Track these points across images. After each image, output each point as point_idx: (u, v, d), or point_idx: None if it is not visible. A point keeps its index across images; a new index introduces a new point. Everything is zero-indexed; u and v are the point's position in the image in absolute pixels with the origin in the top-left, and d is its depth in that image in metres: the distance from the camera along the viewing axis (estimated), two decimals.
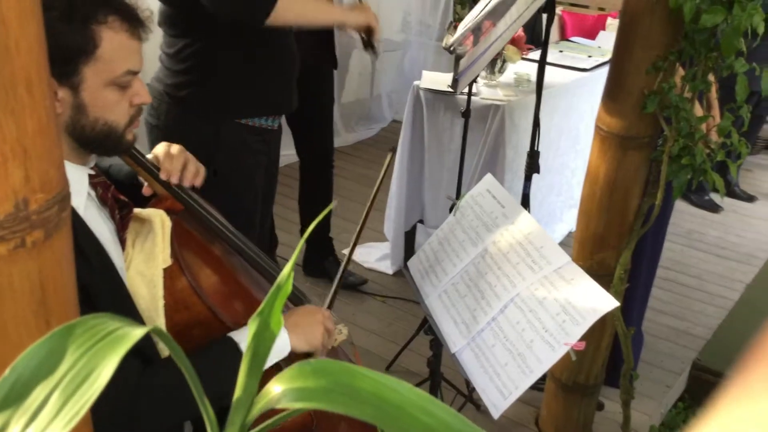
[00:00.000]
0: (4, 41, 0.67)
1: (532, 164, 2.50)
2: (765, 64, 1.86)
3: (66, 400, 0.35)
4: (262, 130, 2.23)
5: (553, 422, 2.49)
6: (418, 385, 2.57)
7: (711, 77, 1.96)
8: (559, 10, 5.55)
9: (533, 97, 2.47)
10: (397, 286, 3.46)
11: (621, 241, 2.14)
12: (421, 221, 3.56)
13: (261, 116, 2.22)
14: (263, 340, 0.40)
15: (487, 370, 1.52)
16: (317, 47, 3.09)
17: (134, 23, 1.25)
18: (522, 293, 1.56)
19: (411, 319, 3.14)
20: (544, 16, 2.42)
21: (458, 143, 2.92)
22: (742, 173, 5.11)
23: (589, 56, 4.05)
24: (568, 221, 3.93)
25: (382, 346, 3.02)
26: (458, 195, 2.40)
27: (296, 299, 1.60)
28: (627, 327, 2.16)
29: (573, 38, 4.88)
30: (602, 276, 2.06)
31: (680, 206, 4.51)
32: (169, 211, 1.40)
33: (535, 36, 4.46)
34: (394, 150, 1.61)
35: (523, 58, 3.46)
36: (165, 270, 1.33)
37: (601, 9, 6.23)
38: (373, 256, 3.67)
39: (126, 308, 1.28)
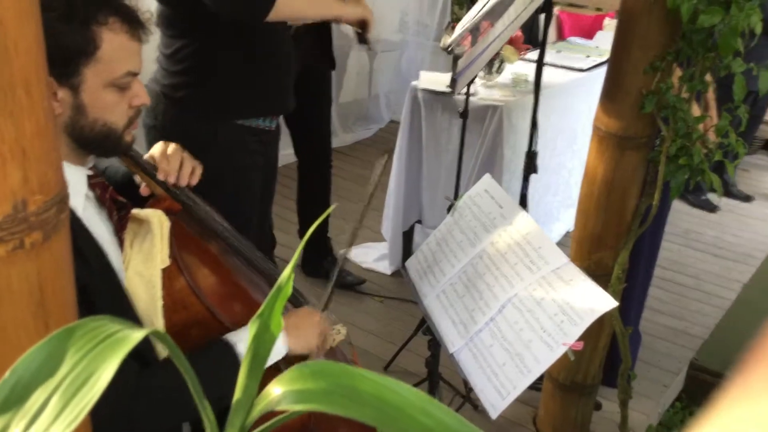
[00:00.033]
0: (3, 42, 0.67)
1: (530, 164, 2.50)
2: (762, 64, 1.86)
3: (66, 402, 0.35)
4: (260, 130, 2.23)
5: (550, 422, 2.50)
6: (416, 385, 2.57)
7: (708, 77, 1.96)
8: (556, 10, 5.56)
9: (531, 97, 2.47)
10: (395, 286, 3.46)
11: (619, 241, 2.15)
12: (419, 221, 3.56)
13: (258, 117, 2.22)
14: (263, 342, 0.40)
15: (485, 370, 1.52)
16: (315, 48, 3.08)
17: (134, 25, 1.25)
18: (520, 293, 1.56)
19: (409, 319, 3.14)
20: (542, 16, 2.42)
21: (456, 143, 2.92)
22: (739, 173, 5.12)
23: (587, 56, 4.05)
24: (565, 221, 3.93)
25: (380, 346, 3.02)
26: (456, 195, 2.41)
27: (295, 300, 1.60)
28: (625, 327, 2.17)
29: (570, 38, 4.89)
30: (600, 276, 2.06)
31: (677, 206, 4.52)
32: (167, 212, 1.40)
33: (532, 36, 4.47)
34: (390, 152, 1.61)
35: (521, 59, 3.46)
36: (163, 270, 1.33)
37: (599, 9, 6.23)
38: (371, 256, 3.67)
39: (124, 309, 1.28)
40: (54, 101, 1.19)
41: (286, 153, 3.52)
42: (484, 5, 2.37)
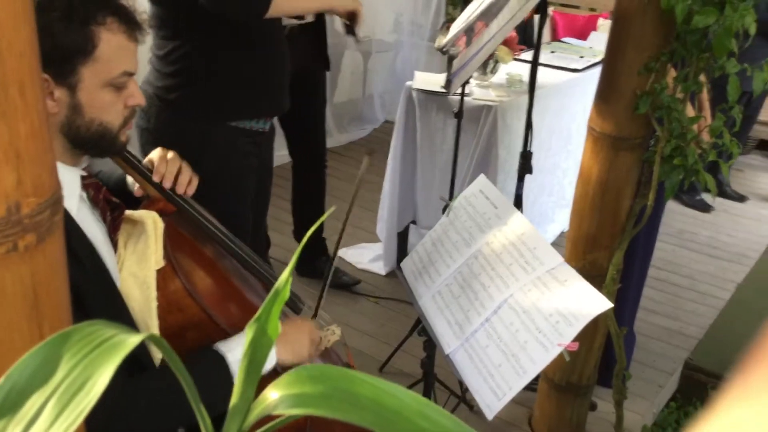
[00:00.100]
0: None
1: (525, 165, 2.50)
2: (756, 65, 1.87)
3: (62, 409, 0.35)
4: (253, 132, 2.23)
5: (546, 423, 2.50)
6: (411, 386, 2.57)
7: (702, 78, 1.97)
8: (550, 10, 5.56)
9: (525, 97, 2.47)
10: (390, 286, 3.46)
11: (613, 241, 2.15)
12: (413, 222, 3.56)
13: (252, 118, 2.21)
14: (260, 346, 0.40)
15: (480, 371, 1.52)
16: (310, 48, 3.08)
17: (132, 25, 1.26)
18: (515, 294, 1.56)
19: (404, 320, 3.14)
20: (536, 16, 2.42)
21: (451, 144, 2.92)
22: (733, 173, 5.14)
23: (581, 57, 4.05)
24: (560, 221, 3.94)
25: (375, 347, 3.01)
26: (451, 196, 2.40)
27: (292, 303, 1.60)
28: (619, 327, 2.17)
29: (564, 39, 4.89)
30: (595, 276, 2.07)
31: (672, 206, 4.53)
32: (161, 213, 1.39)
33: (526, 37, 4.47)
34: (372, 151, 1.61)
35: (515, 59, 3.47)
36: (158, 271, 1.33)
37: (592, 9, 6.24)
38: (366, 256, 3.66)
39: (118, 310, 1.27)
40: (51, 100, 1.19)
41: (281, 154, 3.51)
42: (479, 6, 2.37)
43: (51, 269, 0.76)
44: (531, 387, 2.33)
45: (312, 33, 3.07)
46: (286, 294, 0.41)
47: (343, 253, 3.67)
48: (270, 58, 2.21)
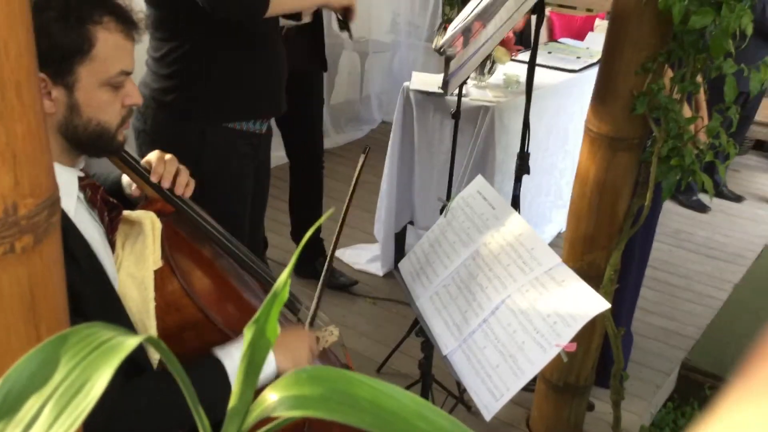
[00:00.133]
0: None
1: (522, 165, 2.51)
2: (753, 65, 1.87)
3: (60, 411, 0.35)
4: (250, 134, 2.22)
5: (543, 423, 2.50)
6: (409, 387, 2.57)
7: (699, 78, 1.97)
8: (547, 11, 5.57)
9: (523, 98, 2.47)
10: (388, 287, 3.46)
11: (611, 241, 2.15)
12: (411, 222, 3.55)
13: (249, 120, 2.21)
14: (259, 349, 0.40)
15: (478, 372, 1.52)
16: (307, 50, 3.08)
17: (128, 24, 1.26)
18: (513, 295, 1.56)
19: (401, 320, 3.14)
20: (533, 17, 2.42)
21: (448, 144, 2.92)
22: (729, 173, 5.15)
23: (578, 57, 4.06)
24: (557, 221, 3.94)
25: (372, 348, 3.01)
26: (449, 196, 2.40)
27: (291, 305, 1.60)
28: (617, 327, 2.17)
29: (561, 39, 4.90)
30: (592, 277, 2.07)
31: (668, 206, 4.54)
32: (159, 213, 1.39)
33: (524, 37, 4.47)
34: (368, 149, 1.61)
35: (512, 60, 3.47)
36: (156, 272, 1.33)
37: (589, 10, 6.25)
38: (364, 257, 3.66)
39: (116, 311, 1.27)
40: (48, 100, 1.19)
41: (278, 155, 3.51)
42: (476, 6, 2.37)
43: (48, 271, 0.76)
44: (529, 388, 2.33)
45: (309, 34, 3.07)
46: (285, 295, 0.41)
47: (340, 253, 3.67)
48: (267, 59, 2.21)
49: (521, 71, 3.08)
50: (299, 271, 3.44)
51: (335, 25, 5.06)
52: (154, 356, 1.32)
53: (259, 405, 0.40)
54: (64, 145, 1.25)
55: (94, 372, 0.35)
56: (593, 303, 1.45)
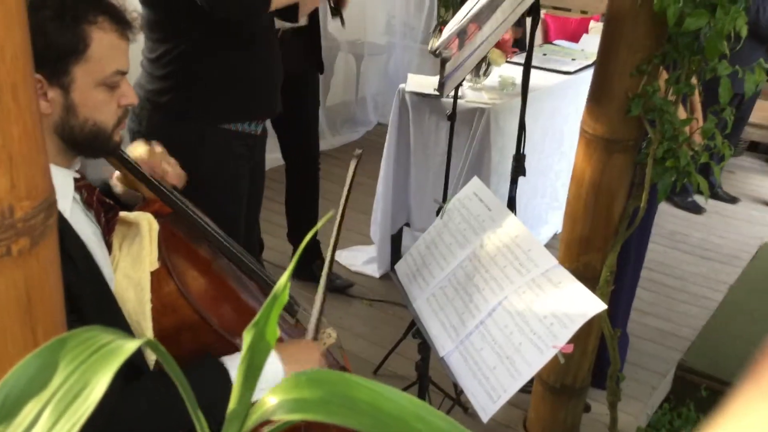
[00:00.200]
0: None
1: (518, 167, 2.51)
2: (748, 67, 1.87)
3: (59, 416, 0.34)
4: (245, 135, 2.22)
5: (540, 424, 2.50)
6: (406, 388, 2.57)
7: (694, 80, 1.97)
8: (541, 13, 5.58)
9: (518, 100, 2.47)
10: (384, 289, 3.46)
11: (607, 243, 2.15)
12: (407, 224, 3.55)
13: (244, 121, 2.21)
14: (258, 352, 0.40)
15: (475, 374, 1.52)
16: (303, 52, 3.08)
17: (123, 24, 1.26)
18: (510, 296, 1.56)
19: (398, 322, 3.14)
20: (528, 19, 2.43)
21: (444, 146, 2.92)
22: (724, 175, 5.16)
23: (573, 59, 4.07)
24: (553, 223, 3.94)
25: (369, 349, 3.01)
26: (445, 198, 2.40)
27: (290, 307, 1.60)
28: (612, 329, 2.17)
29: (556, 41, 4.91)
30: (588, 278, 2.06)
31: (663, 208, 4.55)
32: (156, 214, 1.39)
33: (519, 39, 4.48)
34: (360, 154, 1.61)
35: (508, 62, 3.47)
36: (152, 273, 1.32)
37: (584, 12, 6.27)
38: (360, 259, 3.66)
39: (112, 312, 1.27)
40: (44, 101, 1.19)
41: (274, 156, 3.51)
42: (472, 8, 2.37)
43: (45, 273, 0.76)
44: (525, 389, 2.33)
45: (305, 36, 3.07)
46: (285, 298, 0.41)
47: (336, 255, 3.66)
48: (262, 60, 2.20)
49: (516, 73, 3.09)
50: (296, 273, 3.44)
51: (331, 26, 5.05)
52: (151, 357, 1.31)
53: (258, 408, 0.40)
54: (60, 146, 1.25)
55: (93, 376, 0.35)
56: (590, 304, 1.45)
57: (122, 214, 1.37)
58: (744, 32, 1.78)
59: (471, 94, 3.27)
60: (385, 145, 3.39)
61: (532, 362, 1.44)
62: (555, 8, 6.32)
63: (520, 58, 3.42)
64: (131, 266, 1.33)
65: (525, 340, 1.47)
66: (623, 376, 2.32)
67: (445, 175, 2.77)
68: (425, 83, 3.33)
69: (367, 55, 5.61)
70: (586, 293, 1.48)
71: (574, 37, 5.09)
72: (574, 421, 2.47)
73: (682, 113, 2.07)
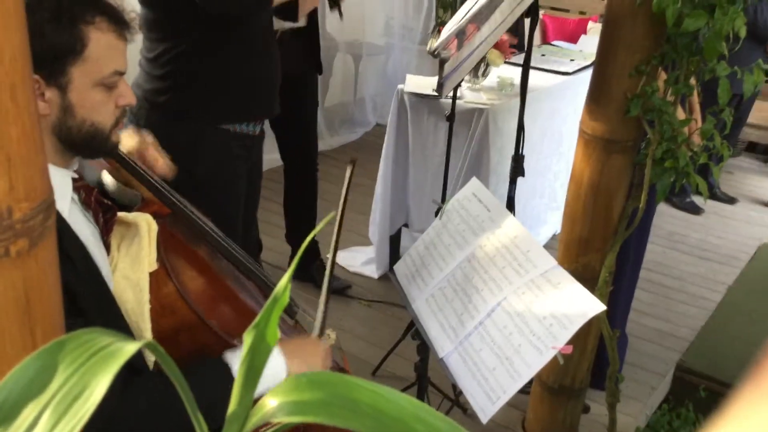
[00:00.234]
0: None
1: (517, 168, 2.51)
2: (746, 67, 1.87)
3: (59, 418, 0.34)
4: (243, 135, 2.22)
5: (539, 425, 2.50)
6: (404, 389, 2.57)
7: (693, 81, 1.97)
8: (540, 14, 5.58)
9: (517, 100, 2.47)
10: (383, 290, 3.46)
11: (606, 243, 2.15)
12: (406, 225, 3.55)
13: (242, 122, 2.20)
14: (259, 353, 0.40)
15: (475, 375, 1.52)
16: (302, 53, 3.08)
17: (120, 24, 1.26)
18: (509, 297, 1.56)
19: (396, 323, 3.13)
20: (527, 20, 2.43)
21: (442, 147, 2.92)
22: (722, 175, 5.17)
23: (571, 60, 4.07)
24: (552, 223, 3.94)
25: (367, 350, 3.01)
26: (443, 199, 2.40)
27: (289, 308, 1.59)
28: (611, 329, 2.17)
29: (555, 42, 4.91)
30: (587, 279, 2.06)
31: (662, 208, 4.55)
32: (155, 215, 1.39)
33: (517, 40, 4.48)
34: (354, 161, 1.61)
35: (506, 62, 3.47)
36: (151, 274, 1.32)
37: (582, 13, 6.27)
38: (358, 260, 3.66)
39: (112, 313, 1.26)
40: (42, 102, 1.18)
41: (272, 157, 3.51)
42: (470, 9, 2.37)
43: (43, 274, 0.75)
44: (524, 390, 2.33)
45: (304, 37, 3.07)
46: (286, 300, 0.41)
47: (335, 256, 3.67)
48: (260, 61, 2.20)
49: (515, 74, 3.09)
50: (295, 274, 3.41)
51: (329, 27, 5.05)
52: (151, 357, 1.31)
53: (258, 410, 0.40)
54: (57, 146, 1.24)
55: (93, 378, 0.35)
56: (589, 305, 1.45)
57: (120, 214, 1.37)
58: (743, 33, 1.78)
59: (469, 95, 3.27)
60: (384, 145, 3.39)
61: (532, 363, 1.44)
62: (553, 9, 6.33)
63: (519, 58, 3.42)
64: (130, 267, 1.33)
65: (524, 341, 1.47)
66: (622, 376, 2.32)
67: (443, 175, 2.77)
68: (424, 84, 3.33)
69: (366, 55, 5.61)
70: (585, 294, 1.48)
71: (573, 38, 5.09)
72: (573, 422, 2.47)
73: (680, 114, 2.07)
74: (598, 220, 2.14)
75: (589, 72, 2.11)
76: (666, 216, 4.55)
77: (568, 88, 3.73)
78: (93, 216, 1.32)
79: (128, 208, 1.47)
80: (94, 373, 0.35)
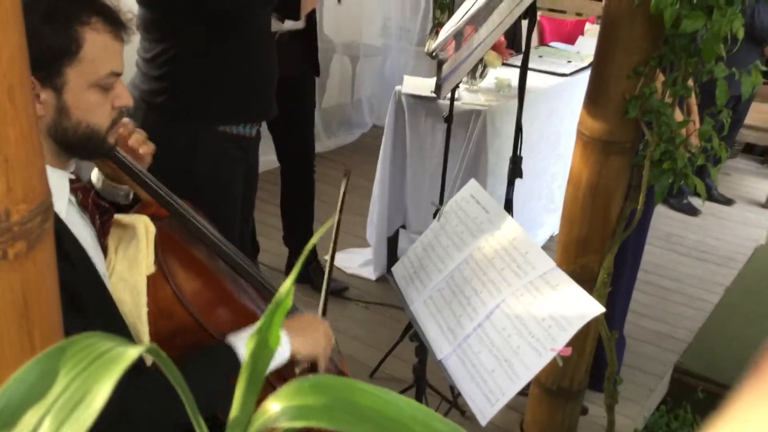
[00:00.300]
0: None
1: (515, 169, 2.51)
2: (744, 69, 1.88)
3: (60, 424, 0.34)
4: (240, 137, 2.22)
5: (537, 427, 2.49)
6: (403, 391, 2.56)
7: (691, 82, 1.97)
8: (537, 15, 5.58)
9: (514, 102, 2.47)
10: (380, 291, 3.45)
11: (604, 245, 2.15)
12: (403, 226, 3.55)
13: (239, 124, 2.20)
14: (261, 358, 0.39)
15: (473, 377, 1.51)
16: (300, 55, 3.08)
17: (117, 25, 1.25)
18: (508, 299, 1.56)
19: (394, 325, 3.13)
20: (524, 21, 2.43)
21: (440, 148, 2.92)
22: (720, 177, 5.17)
23: (569, 61, 4.07)
24: (549, 225, 3.95)
25: (365, 352, 3.00)
26: (441, 200, 2.40)
27: None
28: (610, 331, 2.17)
29: (552, 43, 4.91)
30: (585, 280, 2.06)
31: (660, 210, 4.56)
32: (153, 217, 1.38)
33: (515, 41, 4.49)
34: (349, 171, 1.60)
35: (504, 64, 3.47)
36: (148, 277, 1.31)
37: (579, 14, 6.28)
38: (356, 261, 3.65)
39: (111, 314, 1.26)
40: (37, 103, 1.17)
41: (269, 158, 3.51)
42: (468, 10, 2.37)
43: (41, 277, 0.75)
44: (522, 392, 2.33)
45: (302, 39, 3.07)
46: (288, 304, 0.40)
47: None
48: (258, 62, 2.20)
49: (512, 75, 3.09)
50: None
51: (326, 29, 5.05)
52: (148, 357, 1.30)
53: (261, 415, 0.39)
54: (53, 147, 1.23)
55: (95, 383, 0.34)
56: (588, 307, 1.45)
57: (117, 216, 1.36)
58: (741, 34, 1.78)
59: (467, 96, 3.27)
60: (381, 147, 3.38)
61: (531, 365, 1.44)
62: (550, 10, 6.33)
63: (516, 60, 3.43)
64: (127, 270, 1.32)
65: (523, 342, 1.47)
66: (620, 378, 2.32)
67: (441, 177, 2.76)
68: (421, 85, 3.33)
69: (363, 57, 5.61)
70: (584, 296, 1.47)
71: (570, 39, 5.09)
72: (572, 424, 2.47)
73: (678, 115, 2.07)
74: (596, 222, 2.14)
75: (587, 73, 2.11)
76: (663, 217, 4.56)
77: (565, 89, 3.74)
78: (90, 218, 1.32)
79: (125, 209, 1.46)
80: (96, 378, 0.35)
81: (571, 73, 3.83)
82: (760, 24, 4.38)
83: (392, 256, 3.51)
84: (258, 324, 0.40)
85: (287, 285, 0.39)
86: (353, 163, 4.85)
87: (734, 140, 5.38)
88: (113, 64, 1.25)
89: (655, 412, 2.95)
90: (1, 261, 0.70)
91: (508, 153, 2.53)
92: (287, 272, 3.45)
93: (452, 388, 2.62)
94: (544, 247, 3.61)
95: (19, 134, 0.70)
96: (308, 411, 0.38)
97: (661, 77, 2.03)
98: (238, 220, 2.32)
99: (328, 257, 1.69)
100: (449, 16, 2.59)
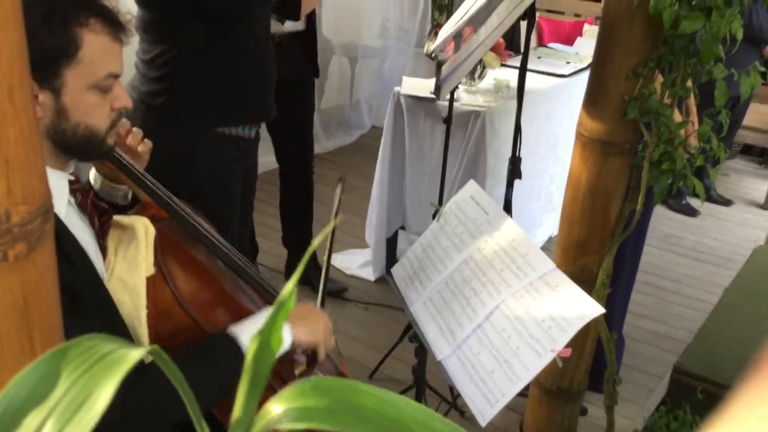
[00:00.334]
0: None
1: (514, 170, 2.51)
2: (743, 70, 1.88)
3: (62, 428, 0.34)
4: (239, 138, 2.22)
5: (537, 428, 2.49)
6: (402, 392, 2.56)
7: (689, 83, 1.98)
8: (536, 16, 5.58)
9: (513, 103, 2.47)
10: (379, 292, 3.45)
11: (603, 246, 2.15)
12: (402, 227, 3.55)
13: (238, 125, 2.20)
14: (264, 360, 0.39)
15: (473, 378, 1.51)
16: (299, 57, 3.08)
17: (115, 26, 1.24)
18: (507, 300, 1.56)
19: (393, 326, 3.13)
20: (523, 22, 2.43)
21: (439, 149, 2.92)
22: (718, 178, 5.18)
23: (567, 62, 4.07)
24: (548, 226, 3.95)
25: (364, 353, 3.00)
26: (440, 201, 2.40)
27: None
28: (609, 332, 2.17)
29: (551, 44, 4.91)
30: (585, 281, 2.06)
31: (658, 211, 4.56)
32: (153, 219, 1.38)
33: (513, 42, 4.49)
34: (343, 178, 1.60)
35: (503, 65, 3.48)
36: (148, 279, 1.31)
37: (577, 15, 6.28)
38: (355, 262, 3.65)
39: (111, 315, 1.26)
40: (35, 105, 1.17)
41: (268, 159, 3.51)
42: (467, 11, 2.37)
43: (41, 278, 0.75)
44: (522, 392, 2.33)
45: (301, 41, 3.07)
46: (291, 306, 0.40)
47: (331, 259, 3.66)
48: (257, 64, 2.20)
49: (511, 76, 3.09)
50: (290, 276, 3.42)
51: (325, 30, 5.06)
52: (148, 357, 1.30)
53: (263, 417, 0.39)
54: (52, 149, 1.23)
55: (97, 386, 0.34)
56: (588, 307, 1.45)
57: (116, 217, 1.36)
58: (739, 35, 1.78)
59: (466, 97, 3.27)
60: (380, 148, 3.38)
61: (531, 366, 1.44)
62: (549, 11, 6.34)
63: (515, 61, 3.43)
64: (127, 271, 1.32)
65: (523, 343, 1.47)
66: (620, 379, 2.32)
67: (440, 178, 2.76)
68: (420, 86, 3.33)
69: (362, 58, 5.61)
70: (583, 297, 1.47)
71: (569, 40, 5.10)
72: (571, 425, 2.47)
73: (677, 116, 2.07)
74: (595, 223, 2.14)
75: (586, 74, 2.12)
76: (662, 218, 4.56)
77: (564, 90, 3.74)
78: (89, 219, 1.31)
79: (124, 210, 1.46)
80: (98, 380, 0.35)
81: (570, 74, 3.83)
82: (759, 25, 4.38)
83: (391, 257, 3.51)
84: (260, 326, 0.40)
85: (290, 287, 0.39)
86: (352, 164, 4.85)
87: (733, 141, 5.39)
88: (112, 66, 1.24)
89: (654, 412, 2.95)
90: (1, 262, 0.70)
91: (507, 154, 2.53)
92: (286, 273, 3.44)
93: (452, 389, 2.62)
94: (543, 248, 3.62)
95: (19, 135, 0.70)
96: (310, 412, 0.38)
97: (660, 78, 2.03)
98: (237, 221, 2.32)
99: (325, 258, 1.69)
100: (448, 17, 2.59)
